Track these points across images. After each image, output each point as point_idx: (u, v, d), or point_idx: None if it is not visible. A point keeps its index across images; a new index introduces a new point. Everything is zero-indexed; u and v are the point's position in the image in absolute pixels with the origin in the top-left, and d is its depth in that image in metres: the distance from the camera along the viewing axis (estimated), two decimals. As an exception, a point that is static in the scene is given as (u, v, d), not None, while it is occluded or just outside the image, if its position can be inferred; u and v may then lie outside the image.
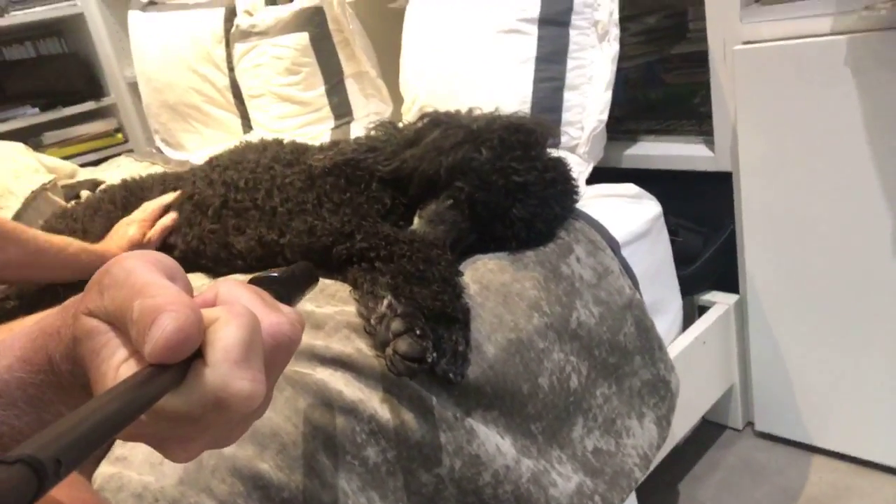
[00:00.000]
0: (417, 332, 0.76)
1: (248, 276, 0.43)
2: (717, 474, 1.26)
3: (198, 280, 1.10)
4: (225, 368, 0.32)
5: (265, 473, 0.72)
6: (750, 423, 1.36)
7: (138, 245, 1.14)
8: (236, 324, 0.33)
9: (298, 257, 0.96)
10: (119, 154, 2.44)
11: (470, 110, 1.02)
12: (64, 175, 1.77)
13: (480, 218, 0.95)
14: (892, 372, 1.13)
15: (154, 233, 1.15)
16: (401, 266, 0.85)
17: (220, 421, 0.33)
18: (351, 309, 0.87)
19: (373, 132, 1.08)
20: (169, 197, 1.20)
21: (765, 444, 1.31)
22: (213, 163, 1.18)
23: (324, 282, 0.95)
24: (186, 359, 0.32)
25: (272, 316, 0.36)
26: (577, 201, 1.06)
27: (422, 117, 1.03)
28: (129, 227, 1.16)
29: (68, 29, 2.78)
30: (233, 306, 0.34)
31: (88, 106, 2.68)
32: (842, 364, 1.19)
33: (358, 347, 0.82)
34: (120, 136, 2.77)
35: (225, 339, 0.32)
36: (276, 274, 0.44)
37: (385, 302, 0.80)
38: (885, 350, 1.13)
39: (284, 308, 0.38)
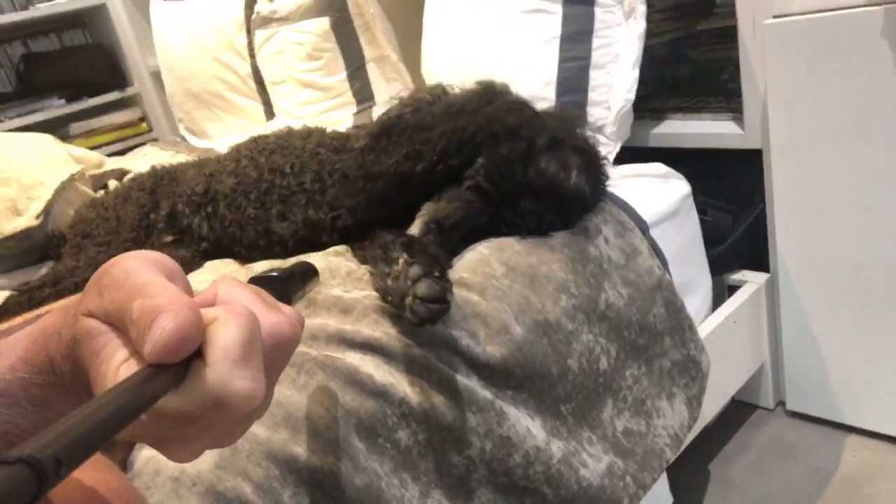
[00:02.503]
0: (436, 273, 0.76)
1: (249, 275, 0.43)
2: (748, 454, 1.26)
3: (228, 267, 1.11)
4: (224, 368, 0.32)
5: (300, 457, 0.73)
6: (781, 403, 1.35)
7: None
8: (236, 323, 0.33)
9: (371, 213, 0.95)
10: (144, 143, 2.47)
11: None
12: (91, 165, 1.79)
13: (491, 199, 0.93)
14: (928, 350, 1.11)
15: None
16: (492, 130, 0.88)
17: (220, 420, 0.33)
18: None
19: (419, 94, 1.06)
20: None
21: (796, 424, 1.30)
22: (259, 144, 1.18)
23: (350, 266, 0.96)
24: (186, 358, 0.32)
25: (272, 315, 0.36)
26: (604, 186, 1.05)
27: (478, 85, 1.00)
28: None
29: (92, 20, 2.81)
30: (232, 306, 0.34)
31: (113, 96, 2.71)
32: (874, 342, 1.17)
33: (387, 331, 0.83)
34: (144, 125, 2.79)
35: (224, 338, 0.32)
36: (275, 273, 0.45)
37: (401, 260, 0.79)
38: (921, 328, 1.11)
39: (284, 308, 0.38)
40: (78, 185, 1.60)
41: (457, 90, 1.04)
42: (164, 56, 2.24)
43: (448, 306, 0.76)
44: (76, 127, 2.59)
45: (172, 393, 0.32)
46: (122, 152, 2.39)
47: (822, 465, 1.19)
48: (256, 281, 0.42)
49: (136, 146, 2.48)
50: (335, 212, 1.02)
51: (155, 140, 2.56)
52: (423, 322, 0.76)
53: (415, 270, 0.76)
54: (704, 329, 1.16)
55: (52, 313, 0.39)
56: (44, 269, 1.31)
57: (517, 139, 0.90)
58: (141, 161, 1.90)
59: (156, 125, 2.77)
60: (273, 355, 0.35)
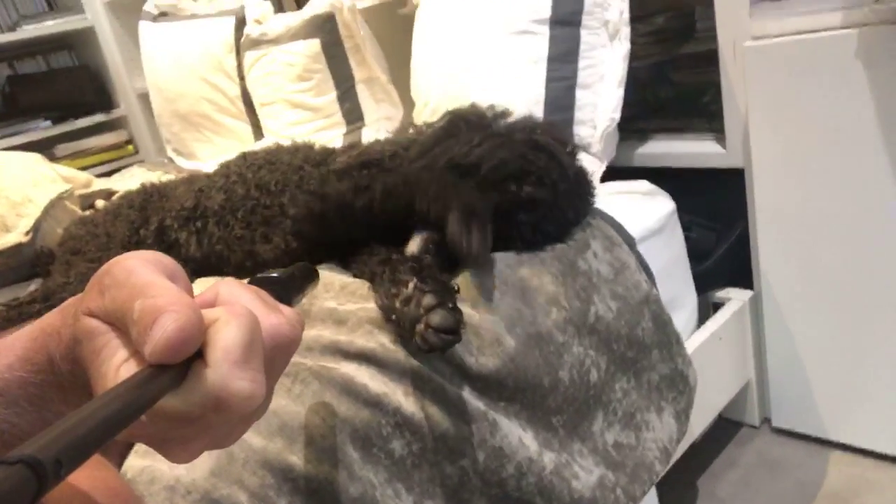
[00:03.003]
0: (450, 305, 0.77)
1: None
2: (735, 471, 1.27)
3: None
4: (225, 369, 0.32)
5: (295, 466, 0.73)
6: (767, 420, 1.36)
7: None
8: (236, 324, 0.33)
9: (307, 230, 0.95)
10: (130, 165, 2.47)
11: (492, 109, 1.02)
12: (79, 185, 1.79)
13: None
14: (908, 364, 1.14)
15: None
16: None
17: (220, 421, 0.33)
18: (372, 305, 0.88)
19: (410, 132, 1.08)
20: None
21: (782, 440, 1.32)
22: (248, 160, 1.18)
23: (343, 279, 0.96)
24: (187, 359, 0.32)
25: (272, 316, 0.36)
26: (592, 201, 1.07)
27: (443, 118, 1.03)
28: None
29: (79, 42, 2.82)
30: (233, 307, 0.34)
31: (99, 118, 2.72)
32: (858, 358, 1.19)
33: (381, 342, 0.83)
34: (131, 147, 2.80)
35: (225, 339, 0.32)
36: (275, 274, 0.45)
37: (411, 284, 0.80)
38: (901, 342, 1.13)
39: (284, 309, 0.38)
40: (66, 204, 1.60)
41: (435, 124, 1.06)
42: (153, 77, 2.25)
43: (460, 338, 0.77)
44: (62, 148, 2.59)
45: (173, 393, 0.32)
46: (108, 174, 2.38)
47: (808, 481, 1.20)
48: (257, 282, 0.42)
49: (123, 168, 2.48)
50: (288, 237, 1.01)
51: (141, 162, 2.56)
52: (433, 350, 0.77)
53: (429, 300, 0.77)
54: (690, 345, 1.17)
55: (53, 313, 0.39)
56: (32, 286, 1.30)
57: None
58: (128, 181, 1.91)
59: (142, 147, 2.78)
60: (273, 356, 0.35)
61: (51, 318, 0.38)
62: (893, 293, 1.12)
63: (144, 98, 2.57)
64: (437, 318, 0.75)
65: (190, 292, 0.35)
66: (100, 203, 1.70)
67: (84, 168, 2.48)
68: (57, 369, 0.37)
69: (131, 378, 0.31)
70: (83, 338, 0.34)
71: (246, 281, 0.40)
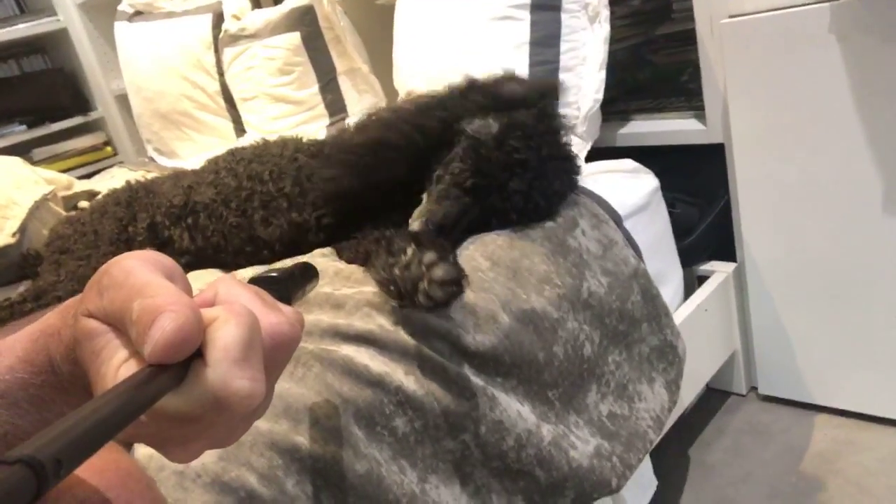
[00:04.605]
0: (451, 259, 0.79)
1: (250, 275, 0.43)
2: (725, 439, 1.30)
3: (213, 276, 1.12)
4: (224, 368, 0.32)
5: (301, 446, 0.74)
6: (753, 388, 1.40)
7: None
8: (235, 323, 0.33)
9: (337, 205, 0.97)
10: (110, 167, 2.45)
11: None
12: (61, 187, 1.78)
13: (479, 190, 0.97)
14: (888, 328, 1.17)
15: None
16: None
17: (220, 420, 0.34)
18: (368, 288, 0.89)
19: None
20: None
21: (769, 407, 1.35)
22: (236, 155, 1.19)
23: (337, 266, 0.98)
24: (186, 359, 0.32)
25: (271, 315, 0.36)
26: (577, 177, 1.09)
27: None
28: None
29: (52, 45, 2.78)
30: (232, 306, 0.34)
31: (76, 121, 2.69)
32: (839, 323, 1.23)
33: (379, 324, 0.85)
34: (109, 149, 2.77)
35: (224, 338, 0.32)
36: (275, 274, 0.45)
37: (410, 250, 0.81)
38: (881, 307, 1.17)
39: (284, 307, 0.38)
40: (51, 205, 1.59)
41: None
42: (131, 77, 2.24)
43: (463, 290, 0.79)
44: (39, 152, 2.56)
45: (172, 393, 0.32)
46: (87, 176, 2.36)
47: (795, 444, 1.24)
48: (256, 281, 0.42)
49: (102, 170, 2.46)
50: (318, 211, 1.04)
51: (121, 163, 2.54)
52: (438, 305, 0.78)
53: (430, 256, 0.79)
54: (677, 318, 1.20)
55: (52, 314, 0.39)
56: (21, 288, 1.29)
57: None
58: (109, 182, 1.90)
59: (121, 148, 2.75)
60: (273, 355, 0.35)
61: (51, 320, 0.38)
62: (871, 258, 1.15)
63: (121, 99, 2.55)
64: (439, 271, 0.77)
65: (189, 292, 0.35)
66: (83, 204, 1.69)
67: (63, 171, 2.46)
68: (57, 370, 0.37)
69: (131, 378, 0.31)
70: (83, 338, 0.34)
71: (246, 280, 0.40)
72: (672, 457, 1.27)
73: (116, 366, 0.33)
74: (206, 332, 0.33)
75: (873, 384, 1.23)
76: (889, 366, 1.19)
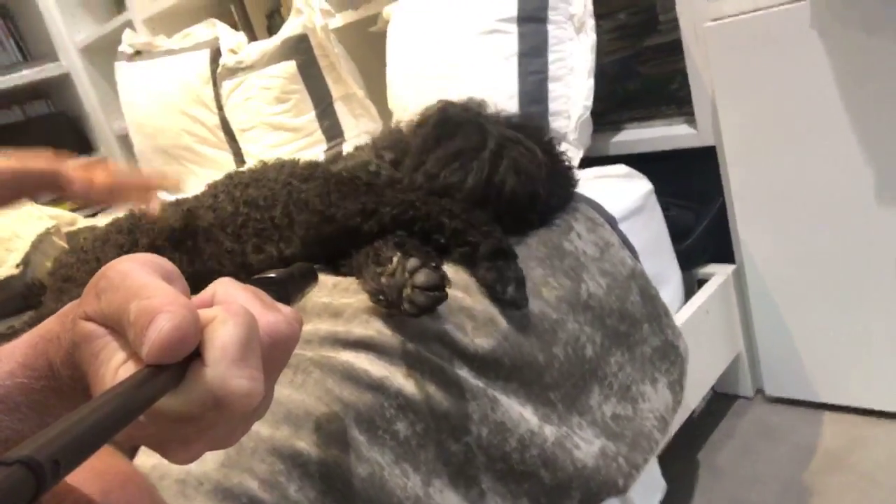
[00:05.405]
0: (433, 264, 0.79)
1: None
2: (733, 441, 1.29)
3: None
4: (223, 367, 0.32)
5: (303, 451, 0.74)
6: (760, 390, 1.39)
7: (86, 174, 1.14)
8: (233, 322, 0.33)
9: (315, 251, 0.98)
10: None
11: (472, 101, 1.06)
12: (64, 222, 1.80)
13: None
14: (890, 323, 1.17)
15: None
16: (440, 221, 0.89)
17: (219, 421, 0.34)
18: (365, 297, 0.90)
19: (384, 153, 1.11)
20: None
21: (776, 408, 1.34)
22: (234, 179, 1.21)
23: (335, 279, 0.99)
24: (185, 359, 0.32)
25: (269, 315, 0.36)
26: (573, 190, 1.11)
27: (429, 116, 1.06)
28: None
29: (55, 90, 2.84)
30: (230, 306, 0.34)
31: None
32: (841, 320, 1.22)
33: (378, 329, 0.85)
34: (112, 188, 2.80)
35: (222, 338, 0.32)
36: (274, 275, 0.45)
37: (395, 258, 0.82)
38: (881, 301, 1.17)
39: (283, 307, 0.38)
40: (54, 239, 1.61)
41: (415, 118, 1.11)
42: (132, 115, 2.28)
43: (445, 295, 0.79)
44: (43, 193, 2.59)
45: (171, 393, 0.32)
46: (92, 216, 2.39)
47: (804, 443, 1.23)
48: (255, 282, 0.42)
49: (105, 209, 2.49)
50: (301, 251, 1.03)
51: (124, 201, 2.57)
52: (422, 311, 0.79)
53: (412, 262, 0.80)
54: (678, 320, 1.20)
55: (51, 319, 0.39)
56: (25, 318, 1.30)
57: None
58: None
59: (124, 187, 2.79)
60: (272, 355, 0.35)
61: (50, 325, 0.38)
62: (869, 251, 1.15)
63: (123, 139, 2.60)
64: (421, 276, 0.78)
65: (186, 293, 0.36)
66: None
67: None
68: (57, 374, 0.37)
69: (129, 379, 0.30)
70: (81, 341, 0.34)
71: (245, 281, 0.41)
72: (681, 461, 1.26)
73: (115, 367, 0.33)
74: (205, 333, 0.33)
75: (879, 380, 1.22)
76: (892, 360, 1.19)
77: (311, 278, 0.51)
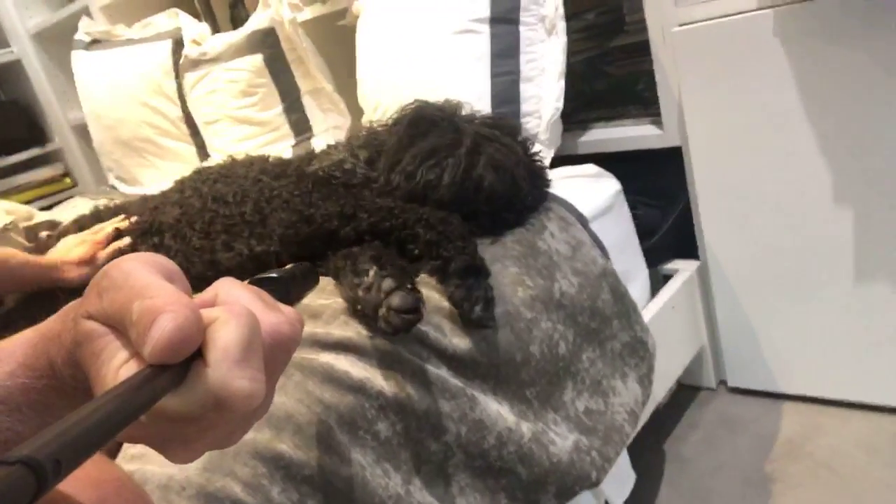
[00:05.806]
0: (409, 286, 0.80)
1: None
2: (698, 432, 1.33)
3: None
4: (225, 368, 0.32)
5: (285, 453, 0.75)
6: (723, 382, 1.44)
7: (86, 264, 1.15)
8: (235, 323, 0.33)
9: (293, 250, 0.98)
10: (69, 198, 2.42)
11: (448, 102, 1.07)
12: (21, 218, 1.76)
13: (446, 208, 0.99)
14: (846, 317, 1.22)
15: (105, 254, 1.16)
16: (416, 232, 0.89)
17: (220, 421, 0.33)
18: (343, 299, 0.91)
19: (359, 152, 1.10)
20: (123, 222, 1.22)
21: (738, 399, 1.39)
22: (202, 175, 1.19)
23: (313, 278, 0.99)
24: (186, 359, 0.32)
25: (271, 315, 0.36)
26: (547, 190, 1.13)
27: (403, 115, 1.07)
28: (78, 244, 1.17)
29: (5, 77, 2.75)
30: (232, 306, 0.34)
31: (33, 152, 2.65)
32: (800, 314, 1.28)
33: (357, 331, 0.86)
34: (68, 180, 2.74)
35: (224, 338, 0.32)
36: (275, 274, 0.45)
37: (371, 272, 0.83)
38: (839, 297, 1.22)
39: (284, 308, 0.38)
40: (12, 236, 1.57)
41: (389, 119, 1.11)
42: (90, 106, 2.22)
43: (421, 317, 0.81)
44: (-5, 185, 2.52)
45: (173, 393, 0.32)
46: (48, 208, 2.33)
47: (765, 433, 1.28)
48: (256, 282, 0.42)
49: (62, 201, 2.43)
50: (277, 248, 1.03)
51: (82, 193, 2.51)
52: (396, 332, 0.80)
53: (388, 283, 0.81)
54: (646, 315, 1.23)
55: (53, 318, 0.39)
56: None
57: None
58: (71, 212, 1.87)
59: (80, 179, 2.72)
60: (273, 355, 0.35)
61: (51, 324, 0.38)
62: (827, 250, 1.20)
63: (80, 129, 2.53)
64: (396, 299, 0.79)
65: (188, 293, 0.35)
66: (44, 234, 1.67)
67: (22, 203, 2.43)
68: (58, 374, 0.37)
69: (131, 378, 0.30)
70: (83, 341, 0.34)
71: (246, 281, 0.41)
72: (648, 452, 1.30)
73: (117, 367, 0.33)
74: (207, 333, 0.33)
75: (835, 370, 1.27)
76: (848, 352, 1.24)
77: (312, 278, 0.51)
